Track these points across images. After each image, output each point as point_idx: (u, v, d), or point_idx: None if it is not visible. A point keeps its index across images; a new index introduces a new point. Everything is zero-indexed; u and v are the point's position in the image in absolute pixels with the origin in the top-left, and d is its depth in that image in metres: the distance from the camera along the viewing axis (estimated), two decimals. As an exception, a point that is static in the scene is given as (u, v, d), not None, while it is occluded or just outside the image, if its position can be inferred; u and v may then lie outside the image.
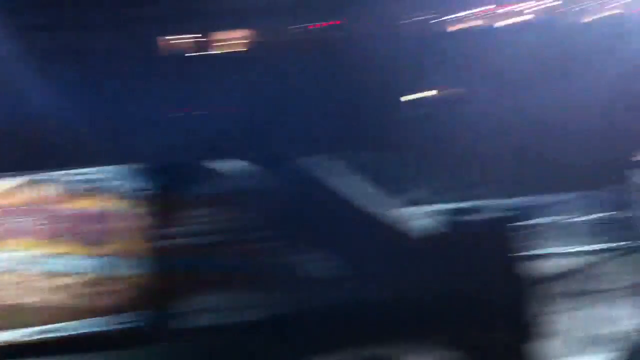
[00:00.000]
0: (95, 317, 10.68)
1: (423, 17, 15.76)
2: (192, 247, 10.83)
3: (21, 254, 10.59)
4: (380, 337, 6.51)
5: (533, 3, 14.32)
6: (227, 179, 9.26)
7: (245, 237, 8.20)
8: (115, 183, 10.86)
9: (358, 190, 8.72)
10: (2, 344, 10.23)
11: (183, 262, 11.23)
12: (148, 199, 10.62)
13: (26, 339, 10.45)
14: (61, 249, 10.72)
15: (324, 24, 15.90)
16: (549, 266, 8.26)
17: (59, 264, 10.61)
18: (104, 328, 10.63)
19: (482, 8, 15.92)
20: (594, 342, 7.34)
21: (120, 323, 10.45)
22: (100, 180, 10.87)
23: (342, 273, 7.47)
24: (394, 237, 8.48)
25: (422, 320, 5.41)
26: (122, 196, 10.79)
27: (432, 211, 9.18)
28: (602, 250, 8.78)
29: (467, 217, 9.14)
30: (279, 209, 7.98)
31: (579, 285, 8.32)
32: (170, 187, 11.03)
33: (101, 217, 10.75)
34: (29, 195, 10.69)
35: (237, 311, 9.78)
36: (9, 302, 10.30)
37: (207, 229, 9.33)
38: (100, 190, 10.81)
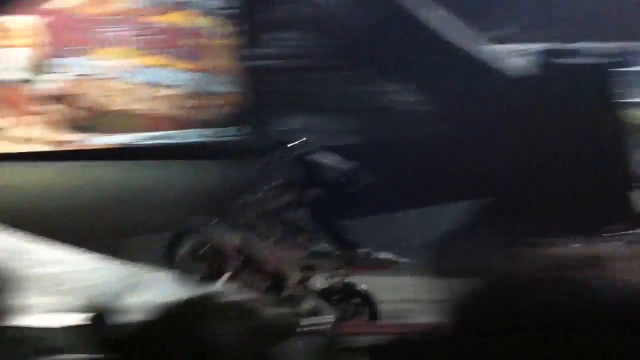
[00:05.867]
0: (192, 128, 11.09)
1: None
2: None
3: (122, 63, 11.00)
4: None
5: None
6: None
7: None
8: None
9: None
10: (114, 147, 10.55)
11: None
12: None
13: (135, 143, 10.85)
14: (158, 61, 11.12)
15: None
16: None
17: (157, 76, 11.07)
18: (201, 139, 11.10)
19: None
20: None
21: (215, 135, 10.99)
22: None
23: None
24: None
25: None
26: (210, 13, 11.05)
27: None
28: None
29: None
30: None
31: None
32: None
33: (194, 32, 11.12)
34: (123, 5, 11.00)
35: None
36: (115, 107, 10.92)
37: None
38: (190, 6, 11.10)
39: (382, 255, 7.08)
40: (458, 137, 11.60)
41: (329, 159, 7.37)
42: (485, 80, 11.60)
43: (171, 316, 1.77)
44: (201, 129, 11.58)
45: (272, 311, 2.77)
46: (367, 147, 11.35)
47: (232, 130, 11.59)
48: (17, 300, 1.93)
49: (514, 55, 13.94)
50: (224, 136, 11.56)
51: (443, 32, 11.91)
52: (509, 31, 14.73)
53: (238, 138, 11.56)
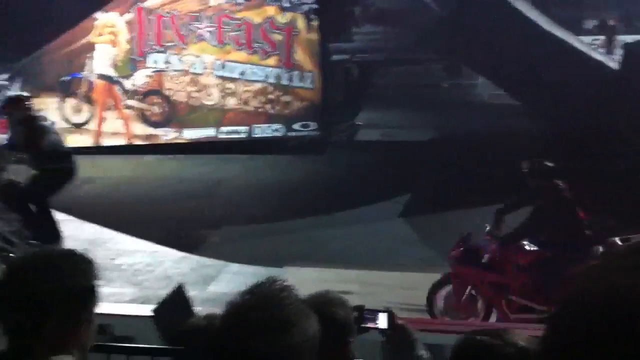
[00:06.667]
0: (267, 122, 11.51)
1: None
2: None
3: (206, 59, 11.44)
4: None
5: None
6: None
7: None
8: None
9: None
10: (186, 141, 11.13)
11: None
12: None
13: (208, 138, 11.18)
14: (241, 57, 11.47)
15: None
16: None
17: (240, 71, 11.42)
18: (278, 134, 11.39)
19: None
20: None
21: (292, 130, 11.28)
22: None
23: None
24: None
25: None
26: (290, 8, 11.30)
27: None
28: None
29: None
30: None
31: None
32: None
33: (276, 28, 11.43)
34: (207, 2, 11.42)
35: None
36: (199, 102, 11.40)
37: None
38: (273, 2, 11.38)
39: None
40: (549, 132, 11.23)
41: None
42: (582, 73, 11.07)
43: (238, 309, 1.73)
44: (280, 124, 11.73)
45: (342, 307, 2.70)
46: (447, 142, 11.21)
47: (309, 125, 11.68)
48: (98, 287, 1.91)
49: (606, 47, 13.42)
50: (301, 131, 11.66)
51: (536, 21, 11.45)
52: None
53: (314, 133, 11.64)
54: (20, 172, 6.54)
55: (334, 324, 2.30)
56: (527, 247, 5.92)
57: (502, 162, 9.60)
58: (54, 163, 6.48)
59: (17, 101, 6.85)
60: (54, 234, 6.66)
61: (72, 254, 1.99)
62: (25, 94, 6.89)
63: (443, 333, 4.29)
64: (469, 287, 5.94)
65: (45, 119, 6.84)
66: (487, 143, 10.67)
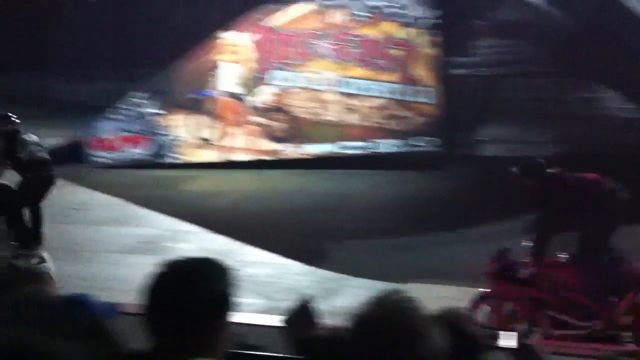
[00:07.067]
0: (387, 138, 11.61)
1: None
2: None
3: (327, 75, 11.77)
4: None
5: None
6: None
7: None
8: (404, 11, 11.49)
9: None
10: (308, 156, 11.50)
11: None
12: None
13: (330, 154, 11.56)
14: (361, 73, 11.61)
15: None
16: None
17: (360, 87, 11.52)
18: (399, 149, 11.45)
19: None
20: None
21: (412, 146, 11.35)
22: (389, 7, 11.56)
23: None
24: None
25: None
26: (409, 24, 11.44)
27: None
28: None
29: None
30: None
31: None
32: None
33: (395, 44, 11.58)
34: (326, 20, 11.78)
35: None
36: (320, 118, 11.73)
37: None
38: (392, 18, 11.59)
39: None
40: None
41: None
42: None
43: (366, 320, 1.75)
44: (400, 139, 11.74)
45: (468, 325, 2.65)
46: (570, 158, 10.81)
47: (430, 140, 11.63)
48: (234, 294, 1.96)
49: None
50: (422, 146, 11.62)
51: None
52: None
53: (435, 148, 11.56)
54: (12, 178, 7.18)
55: (465, 340, 2.28)
56: (560, 260, 5.74)
57: (631, 178, 9.16)
58: (33, 171, 7.00)
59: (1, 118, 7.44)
60: (37, 238, 7.03)
61: (212, 261, 2.05)
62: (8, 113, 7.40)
63: (574, 356, 4.15)
64: (508, 303, 5.82)
65: (27, 133, 7.36)
66: (615, 158, 10.19)
